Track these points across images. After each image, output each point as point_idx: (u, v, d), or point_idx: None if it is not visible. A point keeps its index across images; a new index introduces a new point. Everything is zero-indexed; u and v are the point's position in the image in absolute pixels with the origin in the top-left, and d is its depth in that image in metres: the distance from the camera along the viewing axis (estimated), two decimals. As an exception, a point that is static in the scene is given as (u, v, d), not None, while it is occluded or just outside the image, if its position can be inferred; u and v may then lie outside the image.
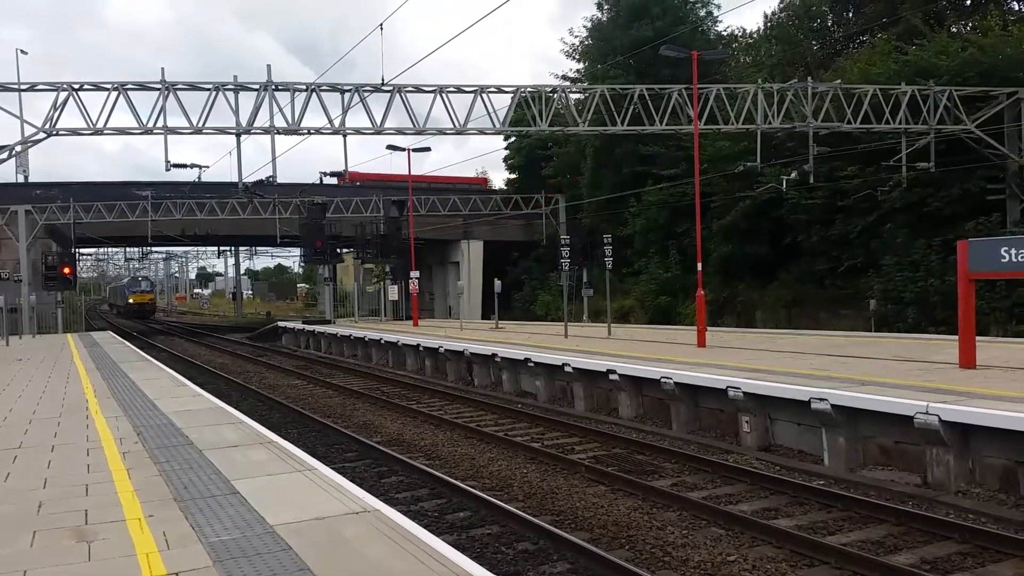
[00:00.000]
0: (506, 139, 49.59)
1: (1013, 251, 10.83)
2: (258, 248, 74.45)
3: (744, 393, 11.52)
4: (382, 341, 26.69)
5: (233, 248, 71.96)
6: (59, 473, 7.31)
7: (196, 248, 76.35)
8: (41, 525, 5.71)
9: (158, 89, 20.67)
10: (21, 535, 5.47)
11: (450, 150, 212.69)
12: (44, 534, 5.50)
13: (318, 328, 35.31)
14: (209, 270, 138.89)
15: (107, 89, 20.50)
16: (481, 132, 23.48)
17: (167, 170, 22.41)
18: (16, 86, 20.32)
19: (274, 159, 22.25)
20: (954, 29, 29.86)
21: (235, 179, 23.56)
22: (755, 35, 40.89)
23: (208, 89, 21.06)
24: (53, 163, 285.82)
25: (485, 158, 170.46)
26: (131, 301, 72.02)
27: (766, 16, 38.75)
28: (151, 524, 5.64)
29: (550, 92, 23.92)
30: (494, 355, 19.01)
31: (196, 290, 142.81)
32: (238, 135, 21.45)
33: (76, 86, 20.36)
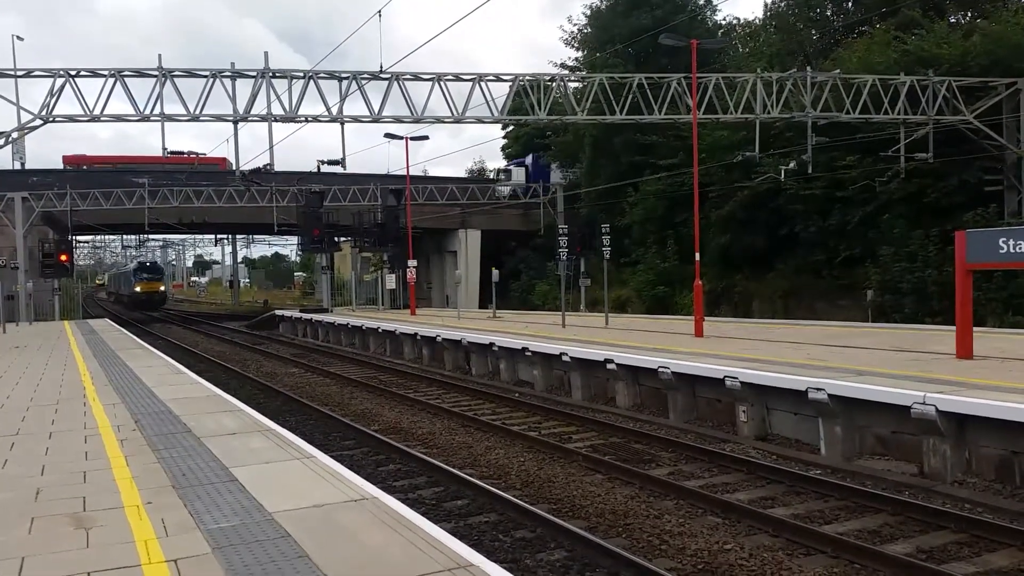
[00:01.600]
0: (504, 128, 49.47)
1: (1011, 242, 10.83)
2: (255, 236, 74.18)
3: (741, 383, 11.54)
4: (379, 330, 26.68)
5: (230, 236, 71.78)
6: (57, 460, 7.31)
7: (193, 236, 75.96)
8: (39, 511, 5.71)
9: (155, 76, 20.58)
10: (19, 522, 5.47)
11: (445, 139, 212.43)
12: (42, 520, 5.50)
13: (315, 316, 35.29)
14: (206, 258, 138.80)
15: (104, 76, 20.41)
16: (479, 121, 23.41)
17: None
18: (12, 72, 20.22)
19: (271, 147, 22.24)
20: (953, 20, 29.78)
21: (232, 167, 23.52)
22: (754, 24, 40.76)
23: (205, 76, 20.97)
24: (46, 150, 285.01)
25: (483, 147, 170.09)
26: (138, 290, 64.53)
27: (765, 5, 38.65)
28: (149, 511, 5.64)
29: (549, 81, 23.84)
30: (492, 344, 19.02)
31: (193, 278, 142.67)
32: (235, 122, 21.40)
33: (72, 72, 20.26)
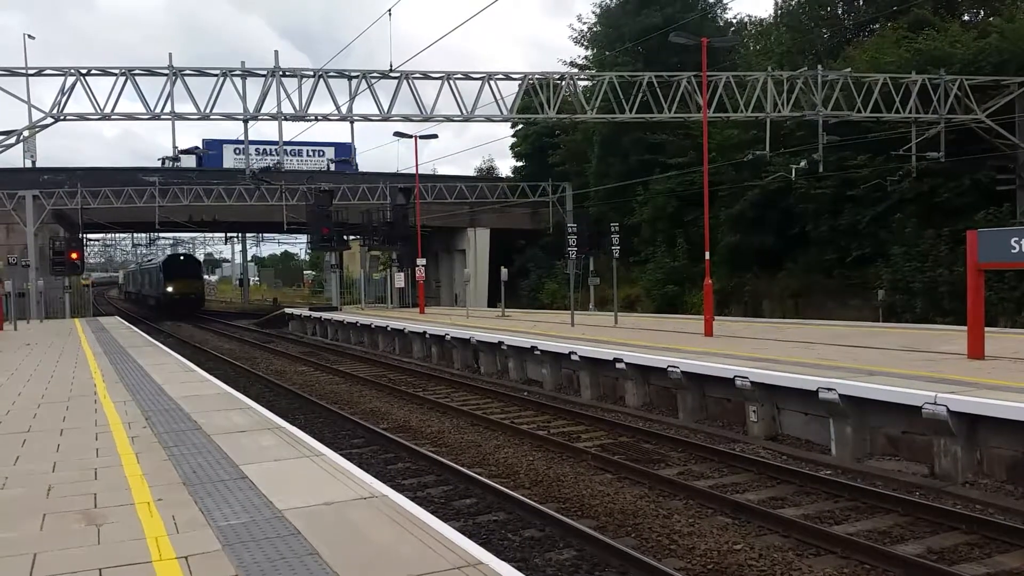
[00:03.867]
0: (513, 127, 49.44)
1: (1023, 242, 10.76)
2: (265, 235, 74.42)
3: (751, 382, 11.50)
4: (388, 328, 26.72)
5: (240, 234, 71.94)
6: (68, 457, 7.34)
7: (203, 234, 76.02)
8: (50, 508, 5.74)
9: (166, 74, 20.62)
10: (31, 518, 5.50)
11: (450, 138, 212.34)
12: (53, 517, 5.53)
13: (324, 315, 35.36)
14: (216, 256, 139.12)
15: (114, 74, 20.46)
16: (489, 119, 23.38)
17: (174, 156, 22.39)
18: (24, 71, 20.30)
19: (281, 145, 22.25)
20: (966, 18, 29.61)
21: (242, 166, 23.58)
22: (764, 22, 40.63)
23: (215, 75, 21.01)
24: (53, 148, 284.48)
25: (492, 146, 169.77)
26: (170, 290, 52.32)
27: (776, 3, 38.49)
28: (160, 508, 5.66)
29: (558, 79, 23.81)
30: (500, 343, 19.01)
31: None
32: (245, 121, 21.44)
33: (83, 71, 20.31)
